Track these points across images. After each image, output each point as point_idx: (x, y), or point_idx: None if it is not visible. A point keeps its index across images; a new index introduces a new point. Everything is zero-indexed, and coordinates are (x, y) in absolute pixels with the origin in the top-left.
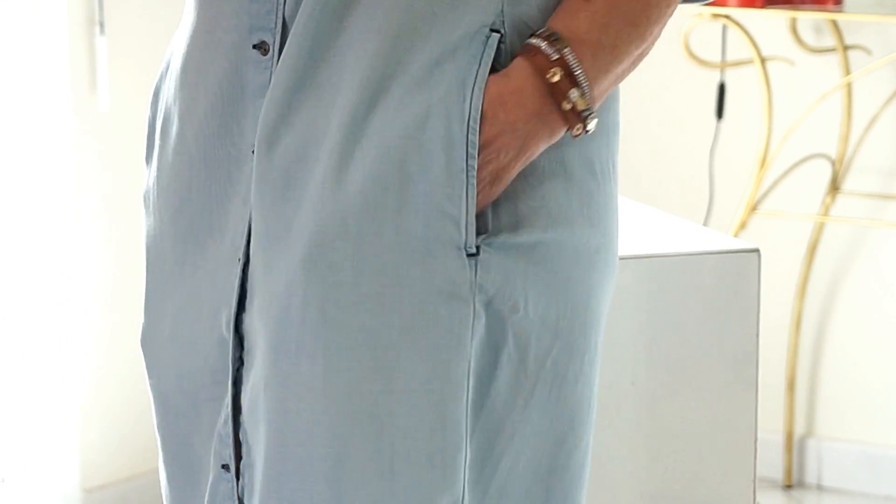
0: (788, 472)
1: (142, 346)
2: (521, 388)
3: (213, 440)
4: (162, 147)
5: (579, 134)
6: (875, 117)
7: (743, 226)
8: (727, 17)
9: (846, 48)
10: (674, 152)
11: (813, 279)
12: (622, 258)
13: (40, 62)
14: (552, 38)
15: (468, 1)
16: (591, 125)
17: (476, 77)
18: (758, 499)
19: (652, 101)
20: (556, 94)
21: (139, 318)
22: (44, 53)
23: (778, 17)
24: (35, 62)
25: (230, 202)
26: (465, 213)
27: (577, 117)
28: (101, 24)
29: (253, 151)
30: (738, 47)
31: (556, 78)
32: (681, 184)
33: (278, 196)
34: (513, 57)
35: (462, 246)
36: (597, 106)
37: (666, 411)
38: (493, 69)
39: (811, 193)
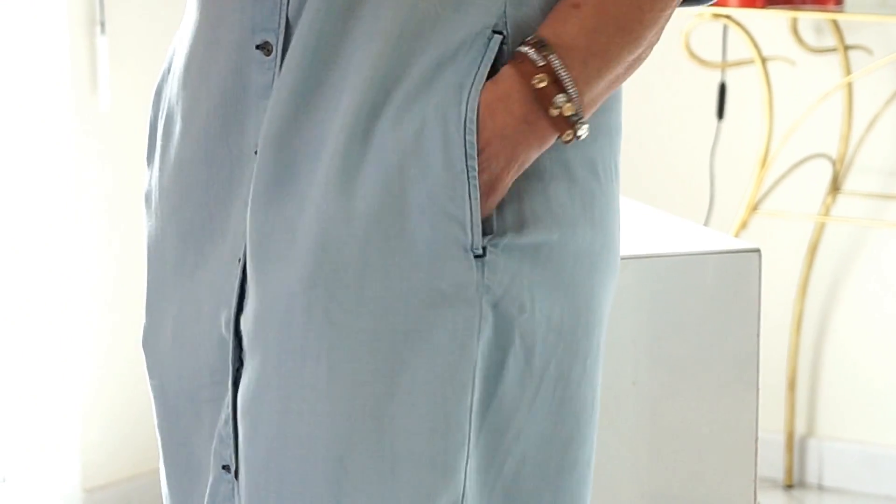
0: (789, 471)
1: (143, 346)
2: (527, 389)
3: (214, 441)
4: (164, 147)
5: (570, 140)
6: (876, 117)
7: (744, 226)
8: (728, 17)
9: (847, 48)
10: (674, 152)
11: (814, 279)
12: (623, 258)
13: (41, 62)
14: (539, 45)
15: (471, 2)
16: (582, 131)
17: (473, 80)
18: (759, 498)
19: (653, 102)
20: (542, 99)
21: (140, 319)
22: (44, 53)
23: (779, 17)
24: (36, 62)
25: (232, 203)
26: (469, 215)
27: (566, 123)
28: (102, 24)
29: (255, 152)
30: (739, 47)
31: (543, 84)
32: (681, 184)
33: (280, 197)
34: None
35: (469, 247)
36: (589, 112)
37: (667, 411)
38: (496, 69)
39: (812, 193)
